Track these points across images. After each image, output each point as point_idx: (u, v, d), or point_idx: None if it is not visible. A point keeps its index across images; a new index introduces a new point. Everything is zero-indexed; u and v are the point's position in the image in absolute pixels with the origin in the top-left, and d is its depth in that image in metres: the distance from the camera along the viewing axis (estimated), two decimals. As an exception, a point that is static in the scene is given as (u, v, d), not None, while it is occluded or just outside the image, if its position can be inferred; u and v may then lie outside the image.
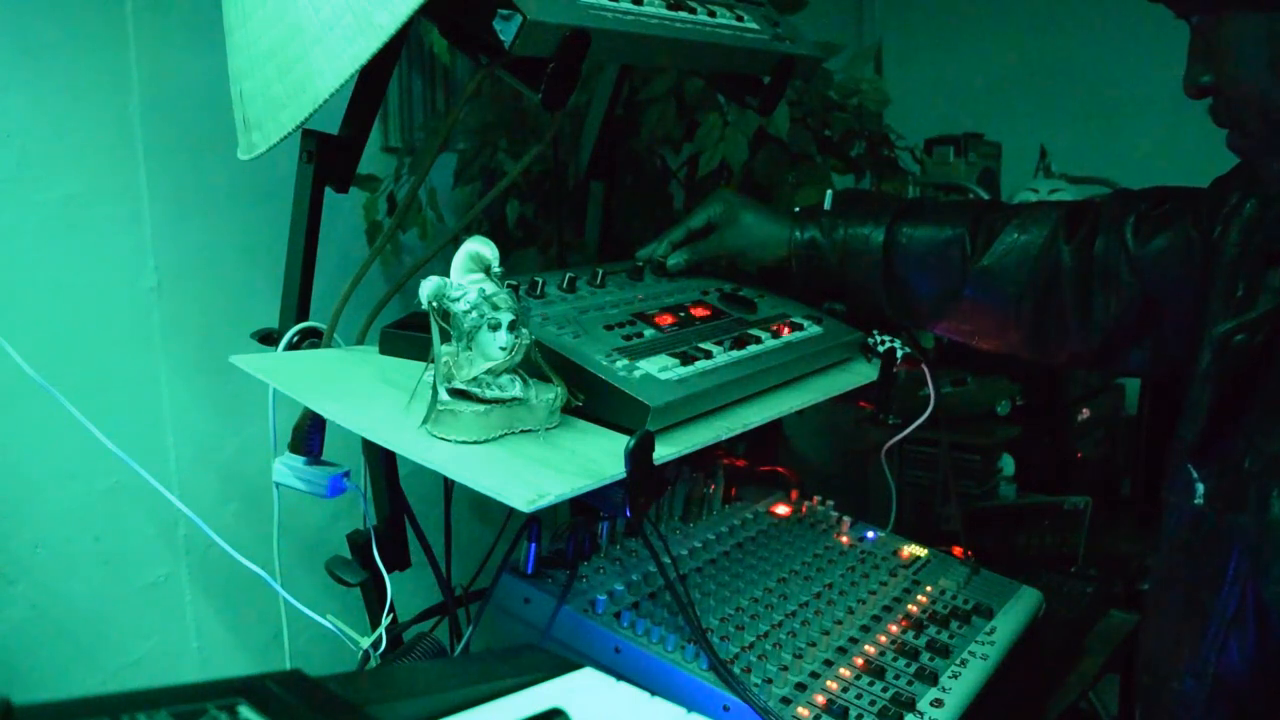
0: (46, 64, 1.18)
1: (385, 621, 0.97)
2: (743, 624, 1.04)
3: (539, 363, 0.85)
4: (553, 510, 0.80)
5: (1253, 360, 0.86)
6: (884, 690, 0.98)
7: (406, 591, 1.02)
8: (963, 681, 1.03)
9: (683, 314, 1.06)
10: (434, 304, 0.81)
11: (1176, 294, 0.99)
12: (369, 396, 0.89)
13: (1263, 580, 0.81)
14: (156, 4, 1.27)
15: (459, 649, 1.07)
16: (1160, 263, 1.00)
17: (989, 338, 1.14)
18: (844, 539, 1.29)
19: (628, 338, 0.97)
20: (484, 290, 0.82)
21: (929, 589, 1.19)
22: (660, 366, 0.92)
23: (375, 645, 0.96)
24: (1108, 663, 1.34)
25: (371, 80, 0.97)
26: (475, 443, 0.81)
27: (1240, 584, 0.83)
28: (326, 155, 0.98)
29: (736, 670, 0.96)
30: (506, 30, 0.84)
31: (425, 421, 0.82)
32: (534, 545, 1.08)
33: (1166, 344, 1.02)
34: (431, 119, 1.61)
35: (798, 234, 1.15)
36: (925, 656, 1.05)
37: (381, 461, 1.01)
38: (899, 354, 1.19)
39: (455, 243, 0.86)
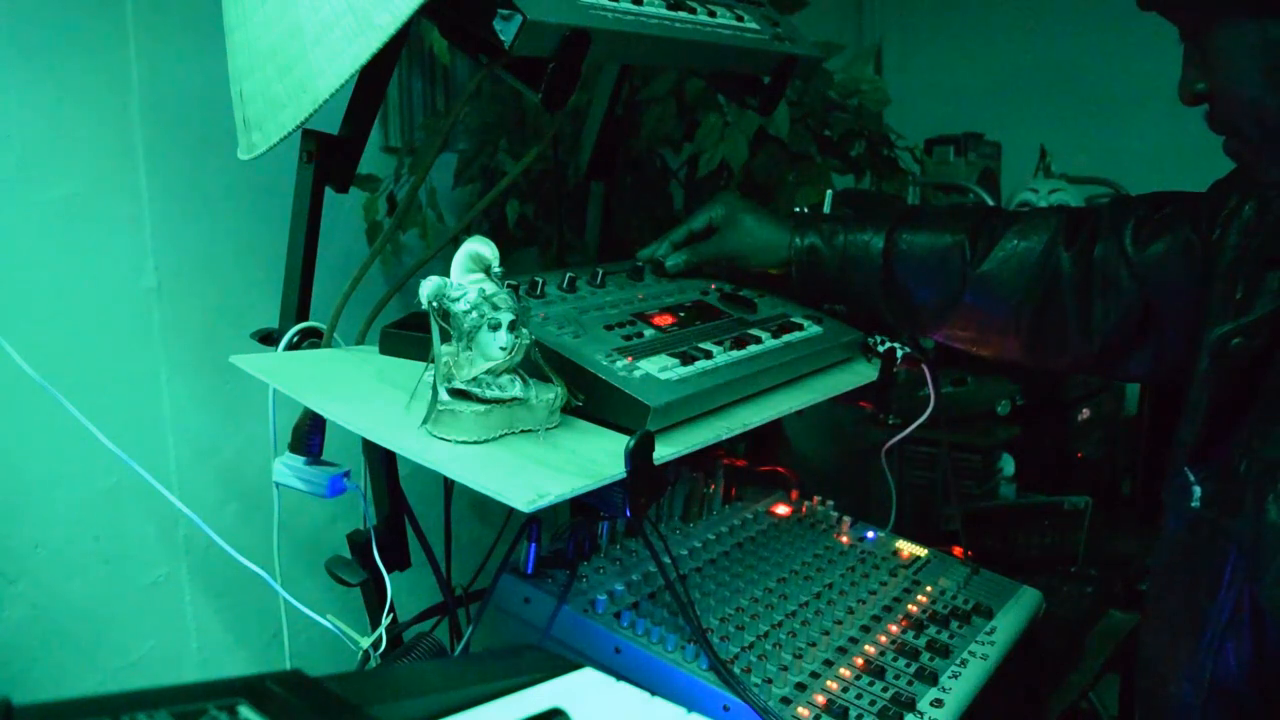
0: (46, 64, 1.18)
1: (385, 621, 0.97)
2: (743, 624, 1.04)
3: (539, 363, 0.85)
4: (553, 510, 0.80)
5: (1251, 364, 0.86)
6: (884, 690, 0.98)
7: (406, 591, 1.02)
8: (963, 681, 1.02)
9: (683, 314, 1.06)
10: (434, 304, 0.81)
11: (1176, 298, 0.99)
12: (369, 396, 0.89)
13: (1258, 585, 0.81)
14: (156, 4, 1.27)
15: (459, 649, 1.07)
16: (1160, 267, 1.00)
17: (989, 345, 1.14)
18: (844, 539, 1.29)
19: (628, 338, 0.96)
20: (484, 290, 0.82)
21: (929, 589, 1.19)
22: (660, 366, 0.92)
23: (375, 645, 0.96)
24: (1108, 663, 1.34)
25: (371, 80, 0.97)
26: (475, 443, 0.81)
27: (1236, 588, 0.82)
28: (326, 155, 0.98)
29: (736, 670, 0.96)
30: (506, 30, 0.84)
31: (425, 421, 0.82)
32: (534, 545, 1.08)
33: (1167, 349, 1.02)
34: (431, 119, 1.61)
35: (798, 240, 1.15)
36: (925, 656, 1.05)
37: (381, 461, 1.01)
38: (899, 354, 1.19)
39: (455, 243, 0.86)
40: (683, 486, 1.27)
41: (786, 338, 1.07)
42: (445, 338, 0.82)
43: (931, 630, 1.10)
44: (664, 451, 0.86)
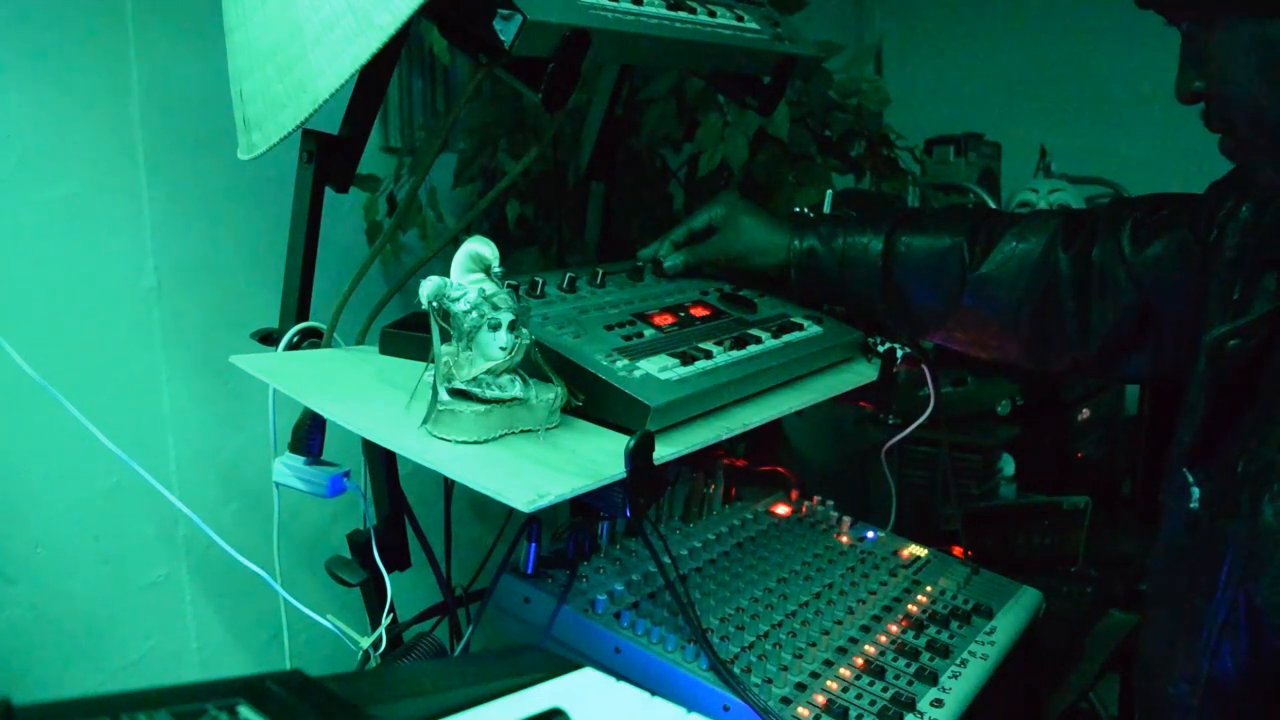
0: (46, 65, 1.18)
1: (385, 621, 0.97)
2: (743, 624, 1.04)
3: (539, 363, 0.85)
4: (553, 510, 0.80)
5: (1249, 365, 0.86)
6: (884, 690, 0.98)
7: (406, 591, 1.02)
8: (963, 681, 1.03)
9: (683, 314, 1.06)
10: (434, 304, 0.81)
11: (1174, 299, 0.99)
12: (369, 396, 0.89)
13: (1254, 586, 0.81)
14: (156, 4, 1.27)
15: (459, 649, 1.07)
16: (1158, 268, 1.00)
17: (988, 346, 1.14)
18: (844, 539, 1.29)
19: (628, 338, 0.96)
20: (484, 290, 0.82)
21: (929, 589, 1.19)
22: (660, 366, 0.92)
23: (375, 645, 0.96)
24: (1108, 663, 1.35)
25: (371, 80, 0.97)
26: (475, 443, 0.81)
27: (1233, 590, 0.82)
28: (326, 155, 0.98)
29: (736, 670, 0.96)
30: (506, 30, 0.84)
31: (425, 421, 0.82)
32: (534, 545, 1.08)
33: (1166, 350, 1.02)
34: (431, 119, 1.61)
35: (796, 242, 1.15)
36: (925, 656, 1.05)
37: (381, 461, 1.01)
38: (899, 354, 1.19)
39: (455, 243, 0.86)
40: (683, 486, 1.27)
41: (786, 338, 1.07)
42: (445, 338, 0.82)
43: (931, 630, 1.10)
44: (664, 451, 0.86)
